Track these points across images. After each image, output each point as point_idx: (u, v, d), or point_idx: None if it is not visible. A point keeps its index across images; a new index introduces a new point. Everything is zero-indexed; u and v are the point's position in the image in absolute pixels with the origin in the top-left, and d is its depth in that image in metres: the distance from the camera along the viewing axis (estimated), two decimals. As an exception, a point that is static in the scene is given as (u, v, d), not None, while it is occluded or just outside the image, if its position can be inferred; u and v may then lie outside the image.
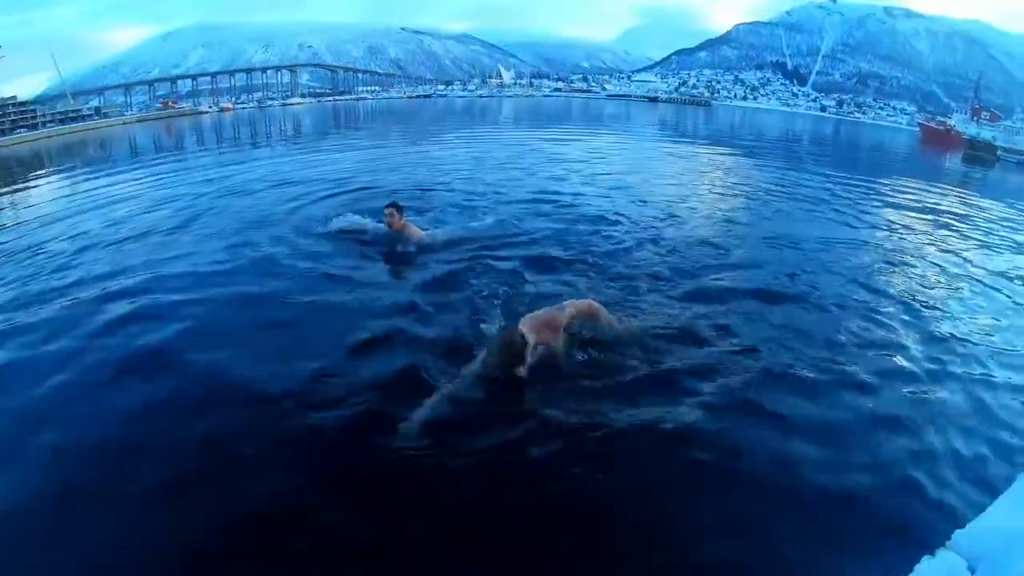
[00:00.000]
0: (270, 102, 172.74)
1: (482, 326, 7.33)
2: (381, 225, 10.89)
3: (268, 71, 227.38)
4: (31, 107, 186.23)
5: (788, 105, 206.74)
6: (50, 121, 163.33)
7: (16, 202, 23.20)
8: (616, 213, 14.48)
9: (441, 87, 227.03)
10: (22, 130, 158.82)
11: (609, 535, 4.72)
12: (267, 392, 6.30)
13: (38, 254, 12.58)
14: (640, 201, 16.61)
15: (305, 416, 5.88)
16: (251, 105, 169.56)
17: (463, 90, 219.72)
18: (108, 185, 23.24)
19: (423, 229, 11.22)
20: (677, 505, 5.06)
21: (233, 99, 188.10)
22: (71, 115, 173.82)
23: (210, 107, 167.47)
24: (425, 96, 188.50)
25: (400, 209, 10.65)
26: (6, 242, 14.33)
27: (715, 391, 6.28)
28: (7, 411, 6.42)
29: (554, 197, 16.41)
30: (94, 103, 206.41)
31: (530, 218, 13.81)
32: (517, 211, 14.46)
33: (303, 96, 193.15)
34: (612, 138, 40.39)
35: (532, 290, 8.93)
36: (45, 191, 26.18)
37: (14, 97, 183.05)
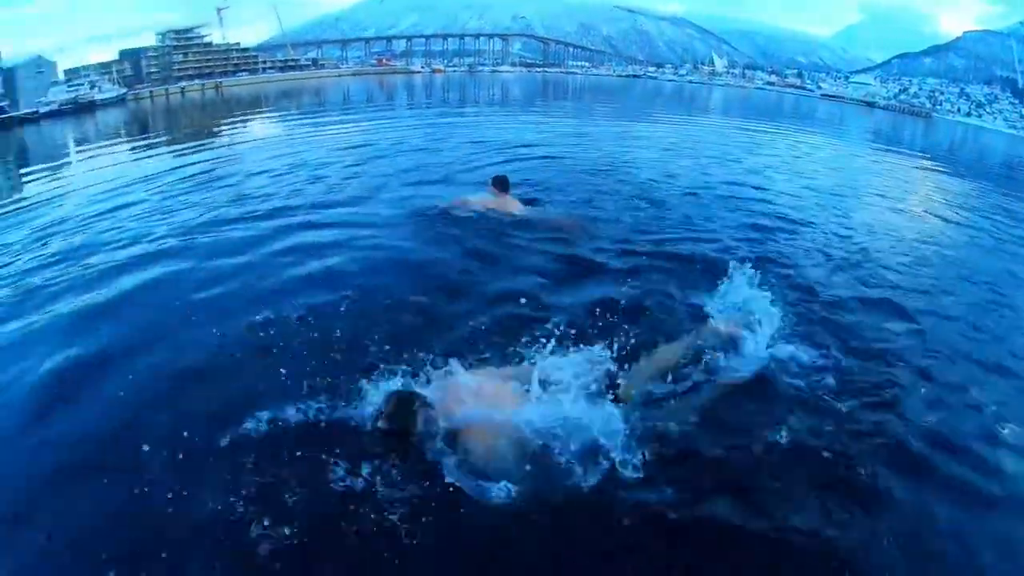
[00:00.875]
0: (480, 68, 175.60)
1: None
2: (488, 195, 11.13)
3: (481, 38, 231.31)
4: (254, 53, 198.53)
5: (1015, 128, 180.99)
6: (270, 67, 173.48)
7: (235, 134, 25.07)
8: (803, 218, 13.39)
9: (652, 69, 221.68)
10: (244, 73, 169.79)
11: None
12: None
13: (235, 182, 13.72)
14: (834, 209, 15.12)
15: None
16: (462, 69, 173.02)
17: (673, 74, 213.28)
18: (315, 127, 24.70)
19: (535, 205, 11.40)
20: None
21: (445, 62, 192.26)
22: (290, 64, 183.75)
23: (422, 67, 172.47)
24: (634, 76, 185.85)
25: (502, 183, 10.91)
26: (223, 166, 15.97)
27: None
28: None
29: (741, 191, 15.55)
30: (312, 55, 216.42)
31: (708, 210, 13.16)
32: (695, 202, 13.83)
33: (513, 65, 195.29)
34: (819, 139, 38.21)
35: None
36: (261, 127, 27.87)
37: (238, 43, 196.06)
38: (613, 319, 6.87)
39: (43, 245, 11.45)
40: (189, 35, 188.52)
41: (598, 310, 7.10)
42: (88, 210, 14.22)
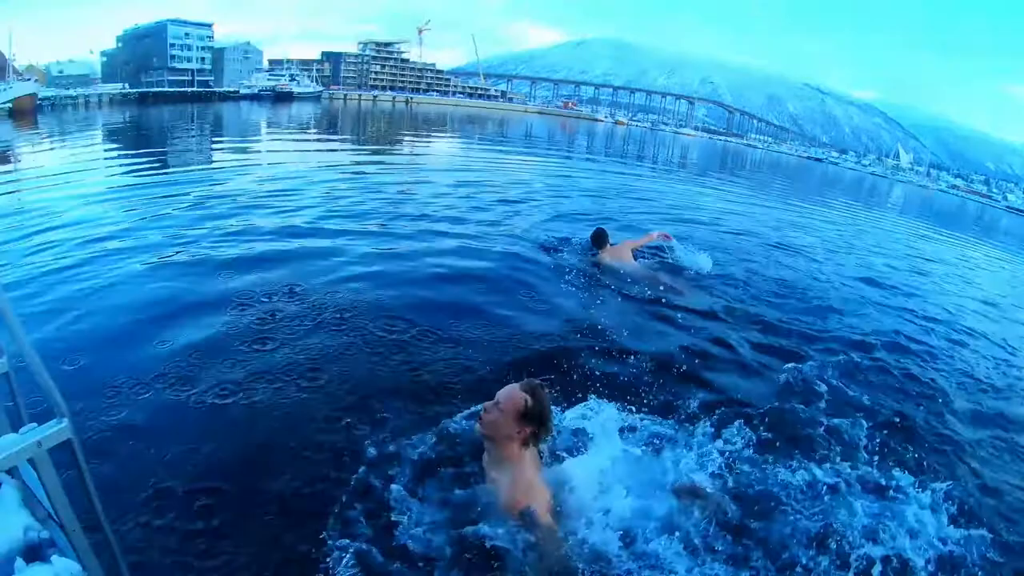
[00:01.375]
0: (663, 127, 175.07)
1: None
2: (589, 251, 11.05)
3: (668, 97, 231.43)
4: (446, 76, 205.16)
5: None
6: (460, 92, 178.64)
7: (415, 146, 26.10)
8: (958, 334, 11.23)
9: (834, 154, 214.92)
10: (434, 93, 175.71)
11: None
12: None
13: (401, 188, 14.29)
14: (996, 328, 12.66)
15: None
16: (644, 125, 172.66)
17: (855, 162, 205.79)
18: (491, 153, 25.36)
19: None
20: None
21: (629, 115, 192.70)
22: (479, 91, 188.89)
23: (606, 117, 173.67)
24: (815, 159, 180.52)
25: (600, 237, 10.75)
26: (394, 172, 16.67)
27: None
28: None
29: (893, 295, 13.21)
30: (501, 87, 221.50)
31: (858, 307, 11.35)
32: (845, 294, 11.96)
33: (695, 129, 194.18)
34: (996, 253, 35.49)
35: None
36: (440, 145, 28.77)
37: (433, 64, 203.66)
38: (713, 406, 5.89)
39: (208, 208, 12.59)
40: (389, 48, 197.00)
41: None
42: (261, 187, 15.32)
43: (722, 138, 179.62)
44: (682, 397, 5.89)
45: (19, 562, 1.99)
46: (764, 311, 9.42)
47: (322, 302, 7.57)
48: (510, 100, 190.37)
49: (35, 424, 2.10)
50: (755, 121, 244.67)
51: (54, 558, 2.03)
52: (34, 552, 2.03)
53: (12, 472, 2.27)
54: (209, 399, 5.26)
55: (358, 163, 22.17)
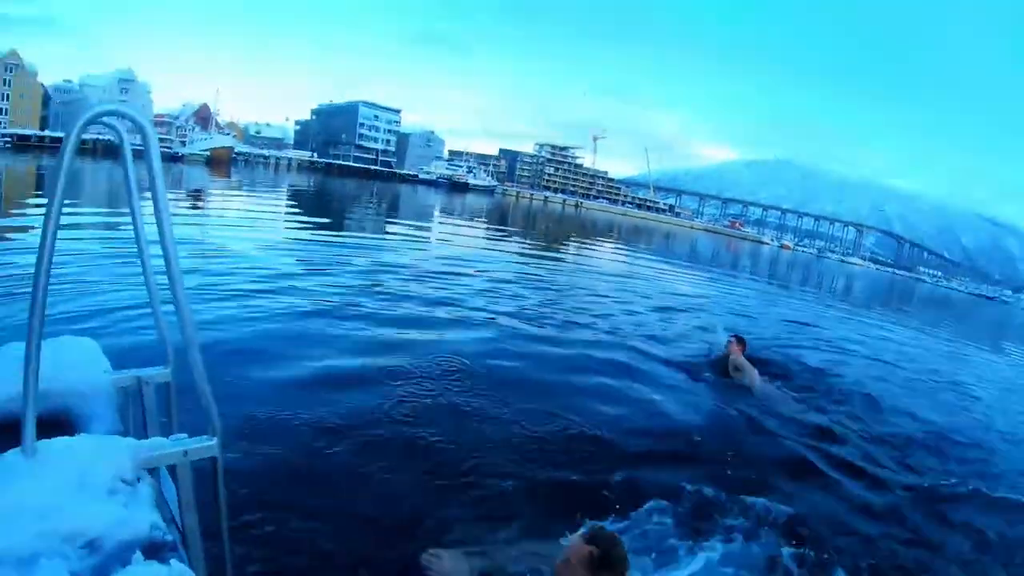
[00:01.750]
0: (829, 254, 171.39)
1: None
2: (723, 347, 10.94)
3: (836, 224, 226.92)
4: (617, 185, 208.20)
5: None
6: (629, 202, 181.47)
7: (581, 249, 26.32)
8: None
9: (1008, 292, 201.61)
10: (604, 200, 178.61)
11: None
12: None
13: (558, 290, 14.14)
14: None
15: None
16: (811, 251, 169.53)
17: None
18: (653, 264, 25.24)
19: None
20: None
21: (795, 240, 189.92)
22: (647, 204, 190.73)
23: (772, 240, 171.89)
24: (986, 297, 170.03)
25: (741, 341, 10.56)
26: (556, 274, 16.66)
27: None
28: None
29: None
30: (670, 201, 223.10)
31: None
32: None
33: (863, 258, 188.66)
34: None
35: None
36: (606, 250, 28.83)
37: (605, 172, 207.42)
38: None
39: (377, 279, 12.86)
40: (564, 152, 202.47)
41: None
42: (427, 263, 15.79)
43: (890, 270, 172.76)
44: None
45: (138, 555, 1.94)
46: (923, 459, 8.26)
47: (465, 372, 7.62)
48: (677, 214, 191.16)
49: (185, 435, 2.24)
50: (925, 253, 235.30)
51: (172, 561, 1.96)
52: (154, 550, 1.98)
53: (152, 472, 2.28)
54: (342, 448, 5.41)
55: (523, 255, 22.50)
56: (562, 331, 11.00)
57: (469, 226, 33.99)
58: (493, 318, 11.18)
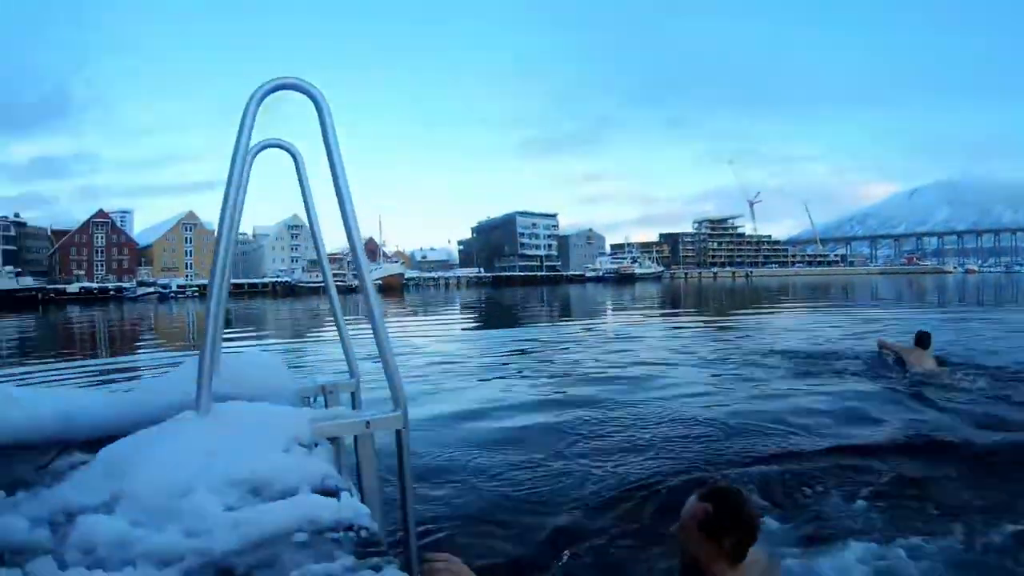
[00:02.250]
0: (1017, 267, 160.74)
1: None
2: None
3: (1019, 233, 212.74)
4: (783, 246, 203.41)
5: None
6: (798, 261, 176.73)
7: (759, 317, 25.65)
8: None
9: None
10: (773, 265, 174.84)
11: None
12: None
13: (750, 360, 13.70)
14: None
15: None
16: (998, 269, 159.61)
17: None
18: (838, 315, 24.15)
19: None
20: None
21: (979, 262, 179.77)
22: (818, 259, 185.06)
23: (955, 267, 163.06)
24: None
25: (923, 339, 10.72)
26: (743, 341, 16.32)
27: None
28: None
29: None
30: (840, 251, 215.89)
31: None
32: None
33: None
34: None
35: None
36: (784, 311, 27.84)
37: (769, 236, 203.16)
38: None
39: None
40: (723, 224, 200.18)
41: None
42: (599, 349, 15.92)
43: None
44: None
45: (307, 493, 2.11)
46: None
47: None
48: (851, 263, 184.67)
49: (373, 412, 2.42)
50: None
51: (343, 495, 2.12)
52: (325, 494, 2.10)
53: (334, 442, 2.46)
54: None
55: (704, 326, 22.14)
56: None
57: (643, 311, 33.96)
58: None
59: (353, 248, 2.40)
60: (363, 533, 2.02)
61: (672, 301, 48.75)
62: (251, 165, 2.84)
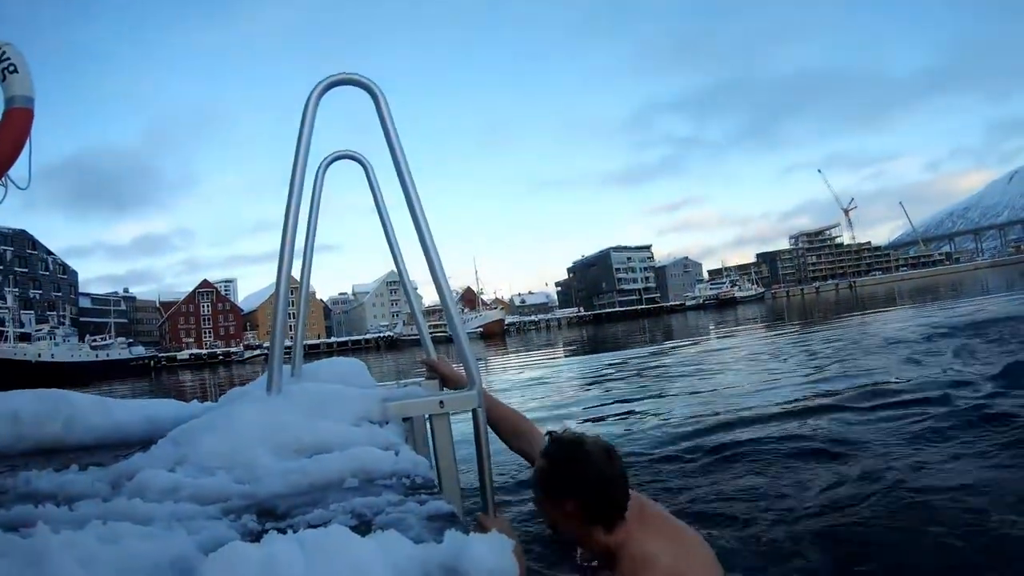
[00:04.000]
0: None
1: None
2: None
3: None
4: (885, 252, 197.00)
5: None
6: (902, 265, 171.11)
7: (864, 326, 24.89)
8: None
9: None
10: (877, 272, 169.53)
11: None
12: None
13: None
14: None
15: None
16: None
17: None
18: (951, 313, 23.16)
19: None
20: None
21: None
22: (922, 260, 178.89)
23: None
24: None
25: None
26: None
27: None
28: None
29: None
30: (944, 249, 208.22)
31: None
32: None
33: None
34: None
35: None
36: (894, 320, 26.85)
37: (868, 243, 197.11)
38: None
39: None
40: (820, 237, 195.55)
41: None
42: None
43: None
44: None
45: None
46: None
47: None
48: (957, 260, 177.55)
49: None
50: None
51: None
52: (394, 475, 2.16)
53: (409, 425, 2.64)
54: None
55: (805, 342, 21.45)
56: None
57: (748, 332, 33.16)
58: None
59: (421, 237, 2.36)
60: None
61: (775, 317, 47.99)
62: (323, 177, 3.21)
